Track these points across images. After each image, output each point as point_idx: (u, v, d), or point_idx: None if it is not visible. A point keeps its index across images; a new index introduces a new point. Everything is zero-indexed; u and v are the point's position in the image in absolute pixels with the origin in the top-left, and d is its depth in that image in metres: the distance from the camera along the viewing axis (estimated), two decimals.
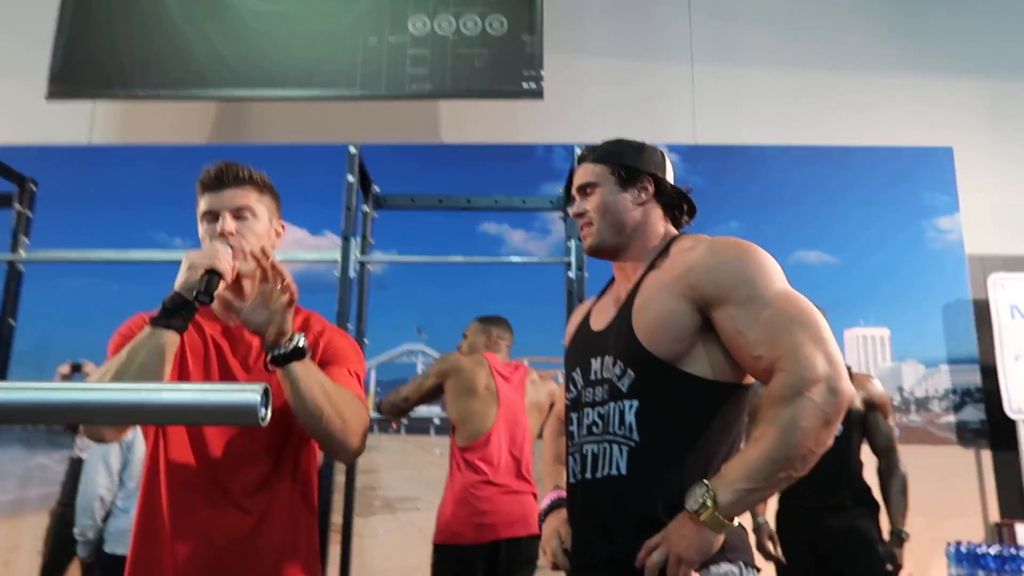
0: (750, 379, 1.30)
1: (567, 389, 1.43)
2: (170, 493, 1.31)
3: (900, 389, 5.01)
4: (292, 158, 5.34)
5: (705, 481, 1.18)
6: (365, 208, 3.61)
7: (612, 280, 1.52)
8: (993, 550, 4.26)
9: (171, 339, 1.28)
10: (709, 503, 1.15)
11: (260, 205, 1.46)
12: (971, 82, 5.64)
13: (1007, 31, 5.69)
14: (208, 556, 1.29)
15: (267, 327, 1.29)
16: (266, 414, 0.77)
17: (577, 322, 1.52)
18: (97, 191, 5.37)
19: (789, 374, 1.16)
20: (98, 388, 0.74)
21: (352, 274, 3.23)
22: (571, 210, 1.46)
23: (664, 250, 1.39)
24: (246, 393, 0.74)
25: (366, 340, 3.48)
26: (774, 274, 1.27)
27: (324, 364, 1.43)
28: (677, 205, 1.45)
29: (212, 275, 1.31)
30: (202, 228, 1.43)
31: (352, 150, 3.31)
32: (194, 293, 1.30)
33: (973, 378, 5.07)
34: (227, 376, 1.37)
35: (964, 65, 5.65)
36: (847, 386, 1.17)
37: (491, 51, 4.56)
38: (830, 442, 1.21)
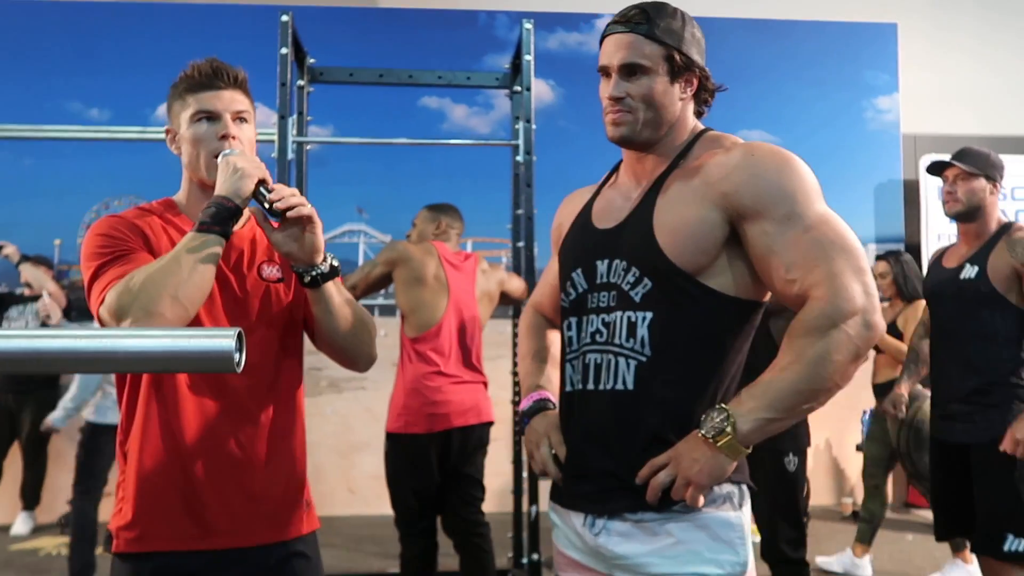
0: (768, 296, 1.22)
1: (564, 290, 1.31)
2: (182, 404, 1.28)
3: None
4: (216, 19, 4.95)
5: (724, 406, 1.11)
6: (300, 82, 3.39)
7: (616, 169, 1.36)
8: None
9: (221, 247, 1.22)
10: (729, 429, 1.09)
11: (251, 111, 1.38)
12: None
13: None
14: (225, 467, 1.29)
15: (298, 251, 1.25)
16: (241, 359, 0.73)
17: (574, 214, 1.37)
18: None
19: (826, 303, 1.09)
20: (62, 335, 0.69)
21: (290, 155, 3.08)
22: (608, 91, 1.24)
23: (689, 146, 1.25)
24: (219, 339, 0.70)
25: None
26: (814, 192, 1.16)
27: None
28: (706, 101, 1.29)
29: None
30: (192, 128, 1.32)
31: (284, 19, 3.06)
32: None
33: None
34: (223, 285, 1.32)
35: None
36: (880, 320, 1.11)
37: None
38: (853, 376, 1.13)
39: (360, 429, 4.87)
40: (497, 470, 3.15)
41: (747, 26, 5.34)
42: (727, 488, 1.17)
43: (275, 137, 3.08)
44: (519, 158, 3.15)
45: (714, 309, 1.17)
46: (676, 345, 1.17)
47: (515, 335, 3.13)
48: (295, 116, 3.27)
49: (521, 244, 3.13)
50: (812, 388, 1.10)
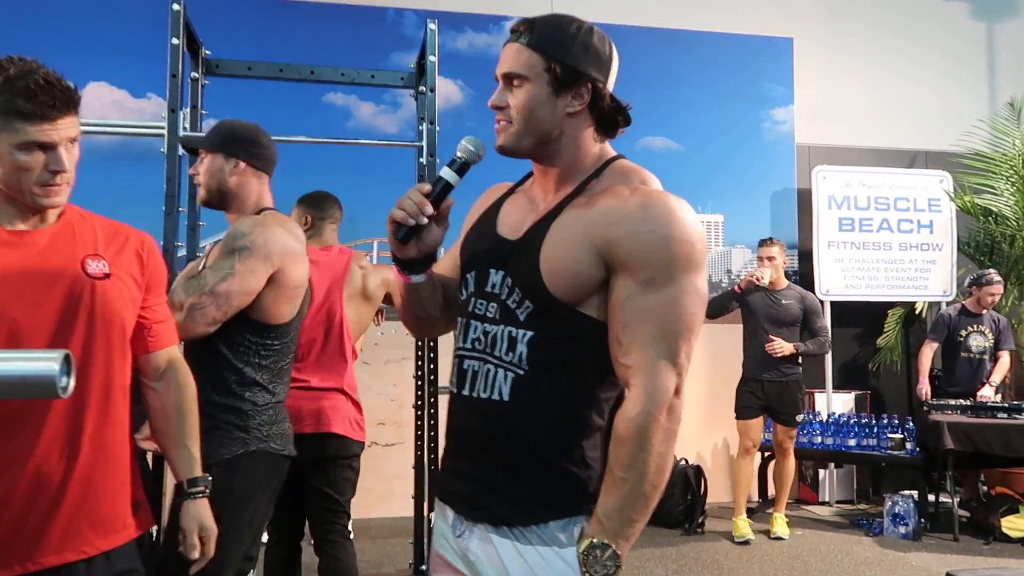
0: None
1: (460, 287, 1.32)
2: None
3: (728, 272, 5.38)
4: (107, 2, 4.69)
5: (603, 541, 1.13)
6: (194, 75, 3.24)
7: (531, 174, 1.35)
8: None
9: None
10: (620, 563, 1.13)
11: (79, 130, 1.28)
12: None
13: None
14: (32, 477, 1.17)
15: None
16: (68, 383, 0.68)
17: (483, 210, 1.36)
18: None
19: (643, 399, 1.14)
20: None
21: (181, 152, 2.94)
22: (490, 100, 1.25)
23: (597, 173, 1.25)
24: (42, 362, 0.65)
25: (200, 222, 3.21)
26: (688, 263, 1.16)
27: (150, 288, 1.40)
28: (611, 118, 1.26)
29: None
30: (21, 157, 1.21)
31: (176, 7, 2.91)
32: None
33: (792, 262, 5.54)
34: (40, 284, 1.20)
35: None
36: (681, 405, 1.17)
37: None
38: None
39: None
40: (400, 474, 3.11)
41: (649, 34, 5.45)
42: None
43: (165, 131, 2.94)
44: (422, 159, 3.11)
45: (591, 333, 1.20)
46: (554, 364, 1.20)
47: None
48: (187, 109, 3.13)
49: None
50: (658, 483, 1.15)
